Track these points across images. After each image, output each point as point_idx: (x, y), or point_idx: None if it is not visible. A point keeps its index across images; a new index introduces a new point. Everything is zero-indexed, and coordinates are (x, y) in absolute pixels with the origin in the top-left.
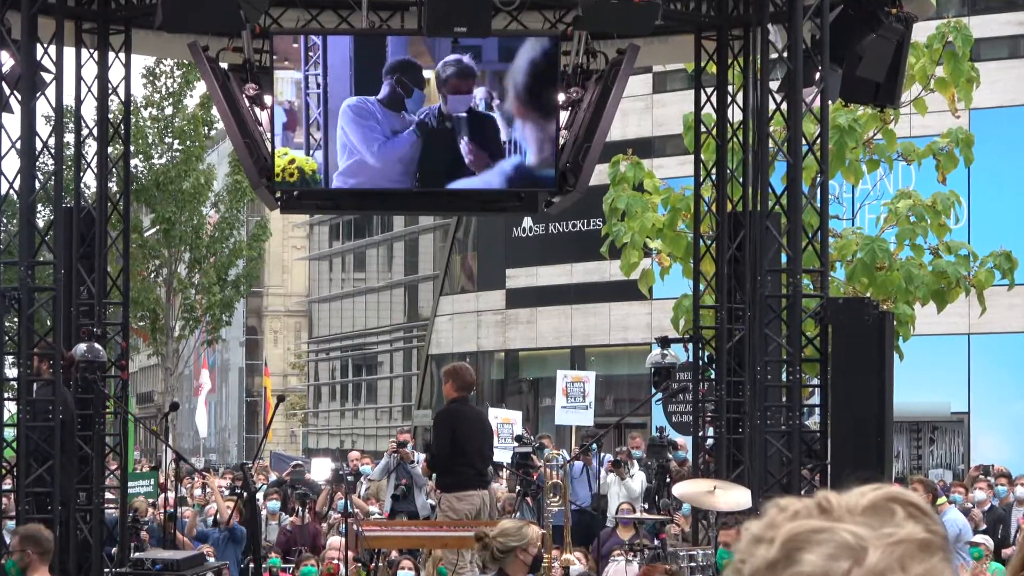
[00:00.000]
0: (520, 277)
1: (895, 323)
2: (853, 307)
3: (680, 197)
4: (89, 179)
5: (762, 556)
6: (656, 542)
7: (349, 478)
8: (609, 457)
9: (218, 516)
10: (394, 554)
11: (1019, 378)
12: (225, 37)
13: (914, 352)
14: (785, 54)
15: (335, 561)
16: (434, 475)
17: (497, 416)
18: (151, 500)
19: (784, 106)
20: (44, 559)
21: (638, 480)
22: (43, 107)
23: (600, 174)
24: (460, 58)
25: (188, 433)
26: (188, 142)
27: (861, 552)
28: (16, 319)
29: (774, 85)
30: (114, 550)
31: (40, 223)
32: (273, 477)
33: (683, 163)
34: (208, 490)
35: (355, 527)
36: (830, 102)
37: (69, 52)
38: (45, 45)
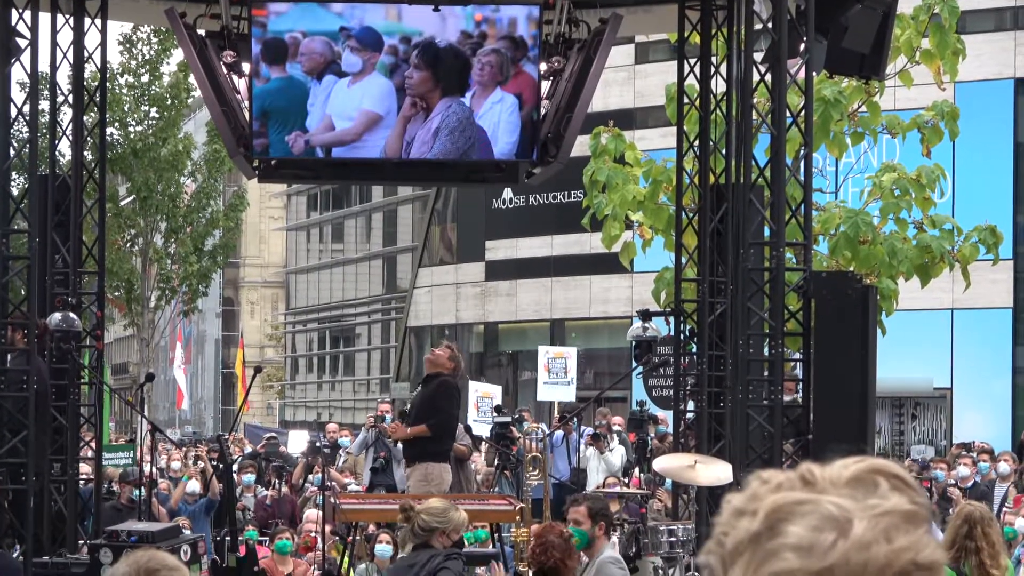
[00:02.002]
0: (500, 249)
1: (878, 297)
2: (836, 281)
3: (662, 169)
4: (64, 147)
5: (745, 528)
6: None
7: (325, 450)
8: (589, 430)
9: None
10: (372, 527)
11: (1002, 354)
12: (203, 3)
13: (897, 327)
14: (770, 25)
15: (312, 534)
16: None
17: (477, 390)
18: (128, 471)
19: (768, 77)
20: None
21: (618, 454)
22: (17, 73)
23: (581, 145)
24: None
25: (164, 405)
26: (166, 112)
27: (846, 524)
28: None
29: (758, 56)
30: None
31: (14, 191)
32: (248, 449)
33: (665, 135)
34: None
35: (333, 500)
36: (815, 74)
37: (44, 17)
38: (20, 10)
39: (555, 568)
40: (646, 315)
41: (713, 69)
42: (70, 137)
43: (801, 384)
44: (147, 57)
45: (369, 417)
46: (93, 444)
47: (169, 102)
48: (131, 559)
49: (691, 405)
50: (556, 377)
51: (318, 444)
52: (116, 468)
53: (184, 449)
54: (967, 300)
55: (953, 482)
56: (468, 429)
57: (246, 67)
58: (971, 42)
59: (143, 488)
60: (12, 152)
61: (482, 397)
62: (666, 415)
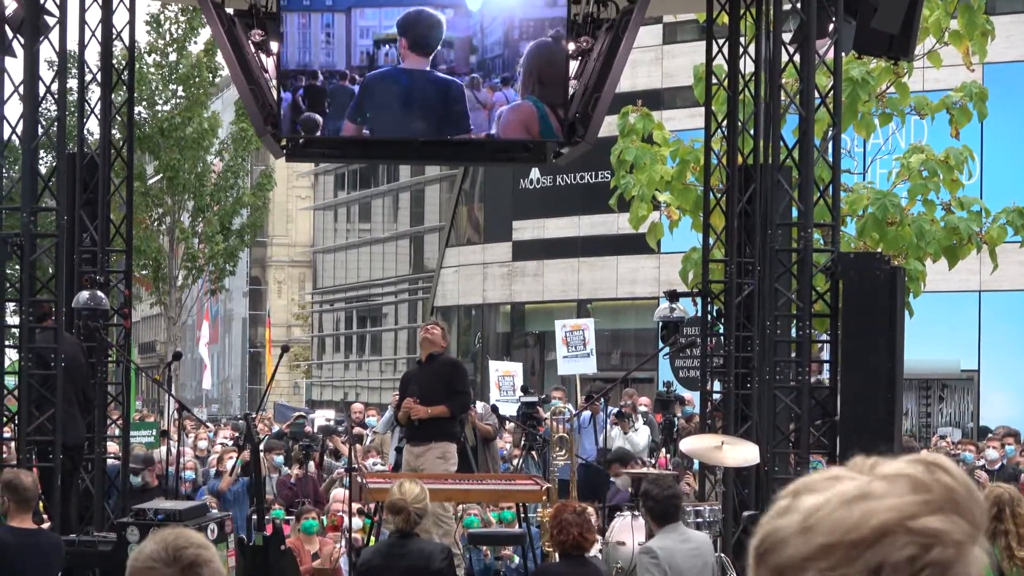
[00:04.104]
0: (527, 229)
1: (906, 279)
2: (864, 262)
3: (689, 149)
4: (92, 125)
5: (775, 506)
6: None
7: (340, 428)
8: (614, 410)
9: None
10: None
11: None
12: None
13: (924, 309)
14: (798, 5)
15: (339, 514)
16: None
17: (498, 369)
18: (152, 450)
19: (797, 58)
20: (22, 506)
21: (643, 434)
22: (46, 52)
23: (609, 125)
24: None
25: (191, 383)
26: (192, 89)
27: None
28: (18, 266)
29: (787, 36)
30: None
31: (43, 169)
32: (276, 428)
33: (693, 115)
34: (218, 443)
35: (359, 480)
36: (843, 54)
37: None
38: None
39: (576, 543)
40: (673, 296)
41: (741, 49)
42: (98, 116)
43: (828, 365)
44: (175, 36)
45: (394, 396)
46: (120, 422)
47: (193, 81)
48: (159, 537)
49: (718, 386)
50: (575, 350)
51: (333, 425)
52: (141, 444)
53: (215, 427)
54: (995, 282)
55: (982, 462)
56: (495, 409)
57: (274, 46)
58: (1000, 23)
59: (183, 467)
60: (40, 130)
61: (503, 376)
62: (693, 396)
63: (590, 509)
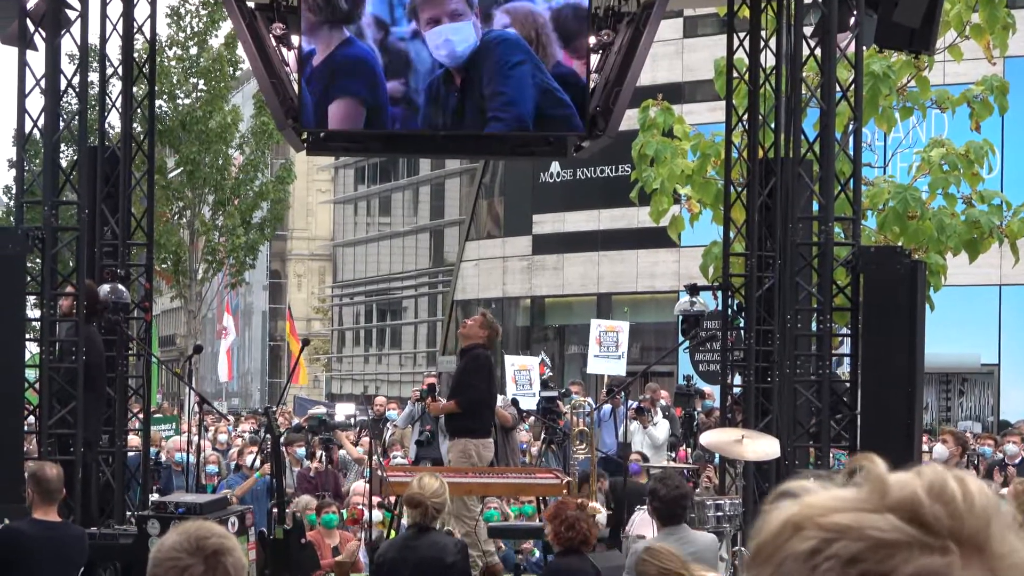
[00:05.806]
0: (547, 223)
1: (926, 273)
2: (885, 256)
3: (710, 143)
4: (113, 119)
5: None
6: None
7: (350, 423)
8: (633, 405)
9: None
10: None
11: None
12: None
13: (945, 303)
14: None
15: (359, 506)
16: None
17: (514, 363)
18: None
19: (818, 51)
20: (46, 498)
21: (662, 429)
22: (68, 45)
23: (629, 119)
24: None
25: (210, 377)
26: (213, 82)
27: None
28: (39, 259)
29: (808, 30)
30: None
31: (64, 163)
32: (295, 422)
33: (713, 109)
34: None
35: (380, 473)
36: (864, 48)
37: None
38: None
39: (584, 540)
40: (693, 289)
41: (762, 43)
42: (119, 109)
43: (848, 359)
44: (195, 30)
45: (414, 391)
46: (141, 415)
47: (213, 75)
48: (181, 529)
49: (738, 380)
50: (607, 351)
51: (352, 419)
52: (160, 435)
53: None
54: (1015, 276)
55: (1001, 456)
56: (515, 402)
57: (295, 39)
58: (1021, 16)
59: (205, 461)
60: (62, 124)
61: (519, 370)
62: (713, 390)
63: (594, 504)
